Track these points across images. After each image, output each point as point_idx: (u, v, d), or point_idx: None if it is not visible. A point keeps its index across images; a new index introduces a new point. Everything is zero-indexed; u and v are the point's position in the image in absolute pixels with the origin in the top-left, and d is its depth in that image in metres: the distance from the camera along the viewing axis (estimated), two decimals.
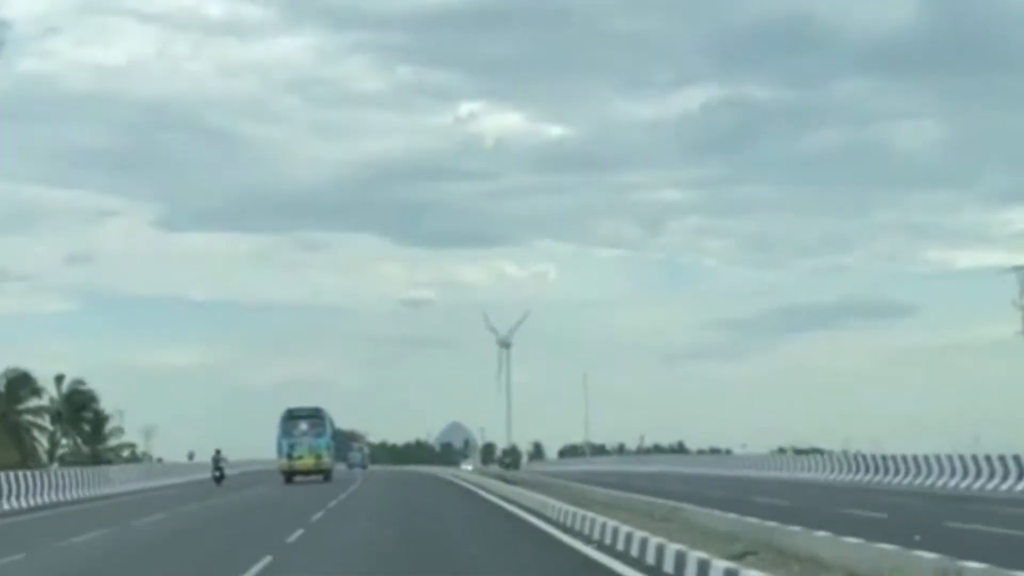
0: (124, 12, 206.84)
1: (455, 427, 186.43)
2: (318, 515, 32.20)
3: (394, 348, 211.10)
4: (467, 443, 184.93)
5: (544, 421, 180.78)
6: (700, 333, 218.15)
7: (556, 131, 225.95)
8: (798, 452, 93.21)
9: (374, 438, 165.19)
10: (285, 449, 63.07)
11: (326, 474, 63.60)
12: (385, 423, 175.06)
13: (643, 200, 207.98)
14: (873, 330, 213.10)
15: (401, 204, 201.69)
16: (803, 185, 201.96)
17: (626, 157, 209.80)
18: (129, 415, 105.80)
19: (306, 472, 62.41)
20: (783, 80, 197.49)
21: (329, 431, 64.46)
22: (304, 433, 62.89)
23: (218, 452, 65.21)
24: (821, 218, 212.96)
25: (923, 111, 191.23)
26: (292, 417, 63.84)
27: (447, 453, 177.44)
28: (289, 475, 62.26)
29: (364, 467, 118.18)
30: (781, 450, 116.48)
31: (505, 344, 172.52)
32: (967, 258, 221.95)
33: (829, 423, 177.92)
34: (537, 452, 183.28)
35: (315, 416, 64.41)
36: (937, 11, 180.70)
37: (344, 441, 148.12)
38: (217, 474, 62.17)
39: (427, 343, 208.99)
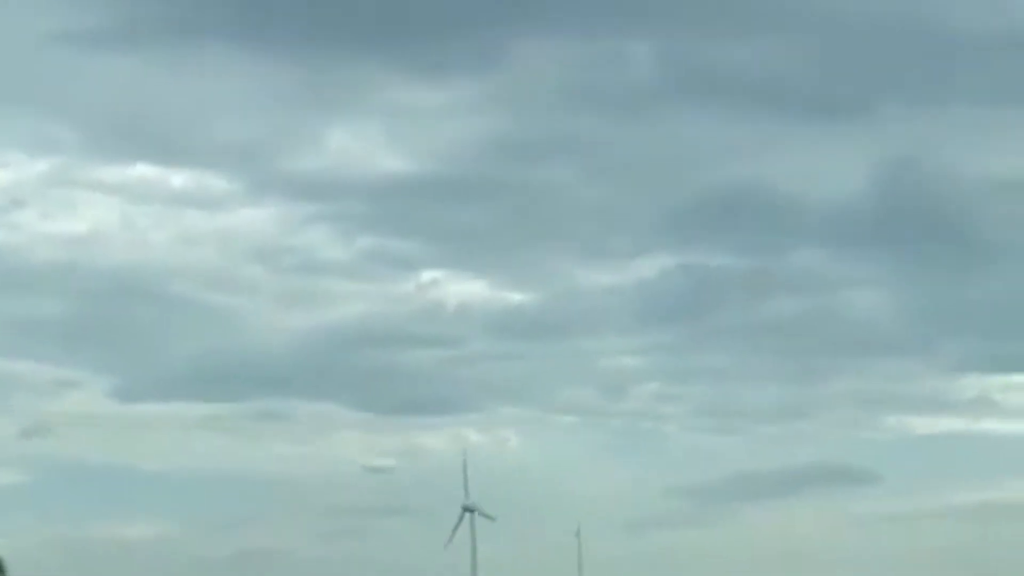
0: (89, 185, 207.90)
1: None
2: None
3: (355, 518, 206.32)
4: None
5: None
6: (662, 500, 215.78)
7: (517, 298, 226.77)
8: None
9: None
10: None
11: None
12: None
13: (603, 367, 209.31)
14: (834, 497, 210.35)
15: (362, 371, 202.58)
16: (760, 353, 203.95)
17: (586, 324, 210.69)
18: None
19: None
20: (740, 249, 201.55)
21: None
22: None
23: None
24: (779, 385, 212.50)
25: (879, 280, 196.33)
26: None
27: None
28: None
29: None
30: None
31: (471, 509, 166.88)
32: (926, 424, 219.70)
33: None
34: None
35: None
36: (892, 182, 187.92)
37: None
38: None
39: (389, 512, 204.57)
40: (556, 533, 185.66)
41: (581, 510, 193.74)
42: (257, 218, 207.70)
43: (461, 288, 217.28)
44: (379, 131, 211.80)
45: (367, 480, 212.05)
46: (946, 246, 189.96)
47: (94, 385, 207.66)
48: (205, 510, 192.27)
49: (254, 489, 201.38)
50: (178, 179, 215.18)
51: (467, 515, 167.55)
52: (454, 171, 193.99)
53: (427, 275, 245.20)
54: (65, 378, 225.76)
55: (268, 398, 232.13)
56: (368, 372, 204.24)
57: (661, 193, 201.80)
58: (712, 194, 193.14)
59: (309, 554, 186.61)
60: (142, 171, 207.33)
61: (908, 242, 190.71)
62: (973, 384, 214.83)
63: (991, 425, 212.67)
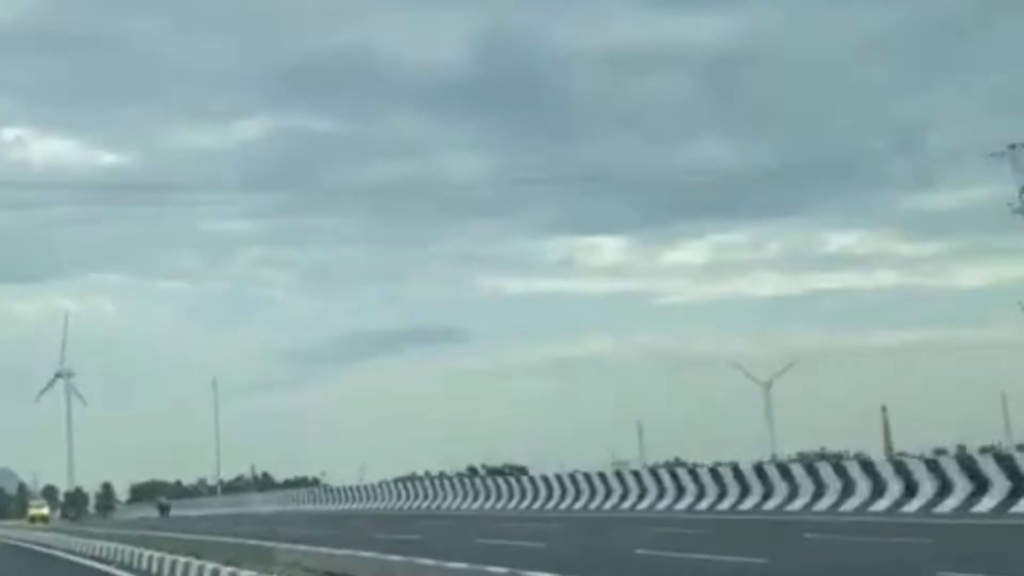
0: None
1: (3, 472, 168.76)
2: None
3: None
4: (22, 487, 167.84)
5: (111, 460, 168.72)
6: (266, 364, 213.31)
7: (111, 158, 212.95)
8: None
9: None
10: None
11: None
12: None
13: (206, 231, 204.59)
14: (430, 355, 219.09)
15: None
16: (363, 216, 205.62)
17: (186, 187, 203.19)
18: None
19: None
20: (342, 113, 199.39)
21: None
22: None
23: None
24: (380, 248, 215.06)
25: (475, 144, 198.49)
26: None
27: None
28: None
29: None
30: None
31: (66, 374, 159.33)
32: (516, 285, 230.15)
33: (402, 445, 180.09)
34: (107, 495, 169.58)
35: None
36: (488, 51, 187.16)
37: None
38: None
39: None
40: (153, 400, 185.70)
41: (182, 376, 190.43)
42: None
43: (49, 147, 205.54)
44: None
45: None
46: (540, 114, 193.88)
47: None
48: None
49: None
50: None
51: (59, 380, 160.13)
52: (47, 22, 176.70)
53: (10, 132, 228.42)
54: None
55: None
56: None
57: (262, 53, 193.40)
58: (311, 56, 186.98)
59: None
60: None
61: (503, 108, 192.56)
62: (560, 246, 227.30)
63: (575, 285, 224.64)
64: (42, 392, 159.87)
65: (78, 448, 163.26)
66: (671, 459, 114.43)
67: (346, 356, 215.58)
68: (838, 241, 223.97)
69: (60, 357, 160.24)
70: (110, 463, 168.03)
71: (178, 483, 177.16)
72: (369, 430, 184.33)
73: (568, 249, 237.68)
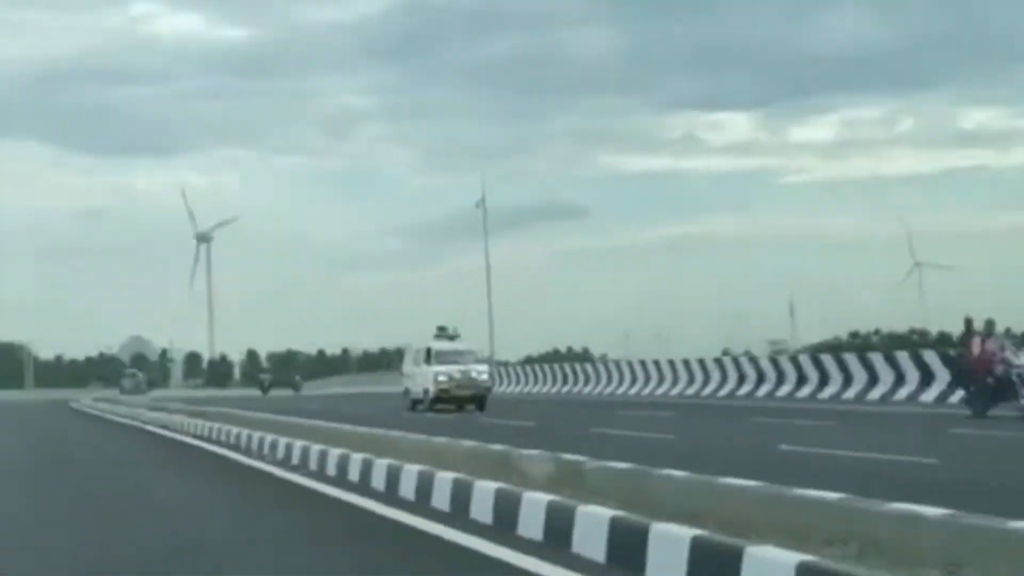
0: None
1: (136, 340, 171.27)
2: None
3: (68, 260, 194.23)
4: (164, 353, 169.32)
5: (246, 329, 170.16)
6: (385, 240, 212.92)
7: (235, 33, 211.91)
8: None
9: (48, 352, 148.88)
10: None
11: None
12: (61, 336, 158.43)
13: (325, 106, 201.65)
14: (551, 232, 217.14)
15: (73, 109, 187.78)
16: (484, 91, 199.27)
17: (307, 62, 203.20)
18: None
19: None
20: None
21: None
22: None
23: None
24: (501, 124, 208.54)
25: (596, 18, 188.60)
26: None
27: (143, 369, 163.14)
28: None
29: (141, 392, 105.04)
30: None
31: (204, 238, 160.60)
32: (638, 162, 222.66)
33: (524, 325, 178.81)
34: (253, 363, 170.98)
35: None
36: None
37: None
38: None
39: (104, 253, 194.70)
40: (278, 272, 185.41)
41: (299, 253, 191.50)
42: None
43: (175, 21, 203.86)
44: None
45: (79, 223, 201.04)
46: None
47: None
48: None
49: None
50: None
51: (201, 245, 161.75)
52: None
53: (138, 7, 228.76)
54: None
55: None
56: (78, 109, 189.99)
57: None
58: None
59: (20, 300, 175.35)
60: None
61: None
62: (683, 122, 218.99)
63: (697, 162, 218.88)
64: (194, 270, 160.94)
65: (203, 318, 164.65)
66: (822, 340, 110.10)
67: (465, 234, 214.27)
68: (976, 117, 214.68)
69: (192, 224, 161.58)
70: (242, 332, 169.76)
71: (320, 353, 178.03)
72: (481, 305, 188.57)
73: (691, 125, 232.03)
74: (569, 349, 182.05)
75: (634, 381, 51.99)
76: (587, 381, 55.95)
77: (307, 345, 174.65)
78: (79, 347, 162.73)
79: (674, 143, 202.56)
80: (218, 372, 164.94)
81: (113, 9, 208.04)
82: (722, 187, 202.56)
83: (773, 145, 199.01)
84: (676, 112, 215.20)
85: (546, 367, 63.11)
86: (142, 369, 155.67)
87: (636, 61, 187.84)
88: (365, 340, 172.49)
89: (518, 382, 62.65)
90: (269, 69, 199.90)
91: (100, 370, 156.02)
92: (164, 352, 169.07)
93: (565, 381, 57.96)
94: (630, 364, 54.18)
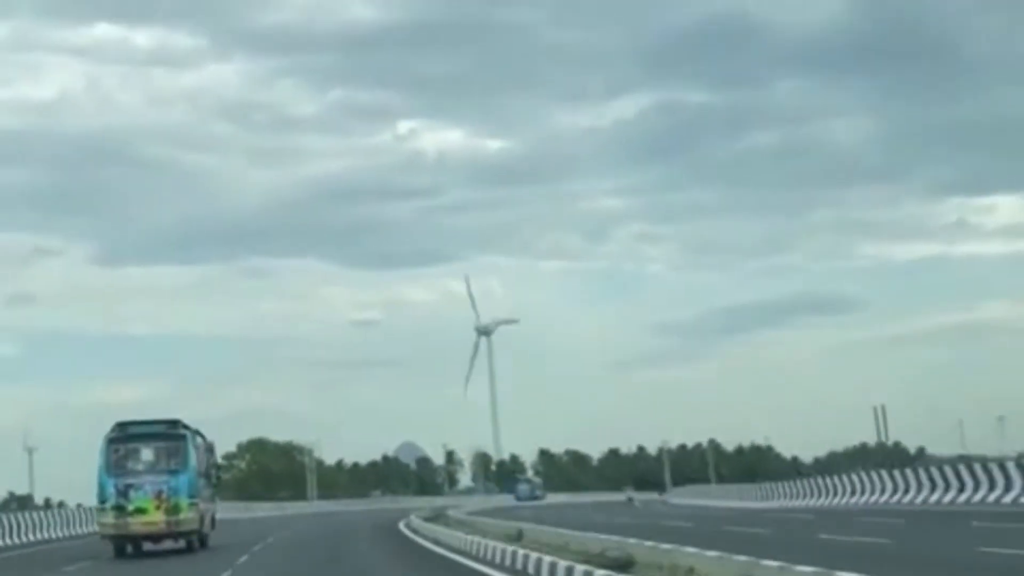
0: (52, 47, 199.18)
1: (407, 446, 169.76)
2: None
3: (343, 371, 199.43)
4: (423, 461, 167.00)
5: (519, 431, 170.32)
6: (649, 339, 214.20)
7: (495, 145, 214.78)
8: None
9: (330, 457, 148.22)
10: (112, 493, 35.02)
11: (192, 538, 35.98)
12: (341, 444, 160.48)
13: (583, 209, 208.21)
14: (818, 325, 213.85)
15: (344, 226, 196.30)
16: (741, 187, 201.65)
17: (565, 168, 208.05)
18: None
19: (151, 535, 35.55)
20: (716, 82, 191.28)
21: (195, 462, 35.97)
22: (147, 468, 35.52)
23: None
24: (760, 218, 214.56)
25: (855, 107, 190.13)
26: (124, 438, 35.64)
27: (426, 472, 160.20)
28: (122, 540, 35.39)
29: (537, 498, 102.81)
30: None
31: (485, 332, 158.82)
32: (905, 251, 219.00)
33: (785, 419, 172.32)
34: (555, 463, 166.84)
35: (166, 436, 35.93)
36: (866, 6, 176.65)
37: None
38: None
39: (376, 364, 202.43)
40: (549, 378, 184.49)
41: (570, 353, 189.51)
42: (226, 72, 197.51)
43: (439, 137, 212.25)
44: None
45: (354, 334, 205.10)
46: (921, 69, 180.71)
47: (74, 252, 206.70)
48: (195, 371, 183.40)
49: (243, 348, 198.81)
50: (142, 37, 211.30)
51: (482, 338, 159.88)
52: (423, 16, 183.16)
53: (404, 125, 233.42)
54: (44, 246, 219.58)
55: (251, 258, 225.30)
56: (350, 226, 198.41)
57: (633, 30, 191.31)
58: (685, 28, 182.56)
59: (302, 408, 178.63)
60: (105, 30, 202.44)
61: (886, 68, 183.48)
62: (950, 208, 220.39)
63: (969, 248, 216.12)
64: (472, 362, 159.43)
65: (481, 420, 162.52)
66: None
67: (728, 329, 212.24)
68: None
69: (476, 315, 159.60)
70: (519, 433, 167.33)
71: (641, 449, 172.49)
72: (752, 401, 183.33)
73: (961, 210, 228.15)
74: (880, 442, 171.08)
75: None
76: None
77: (590, 447, 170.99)
78: (353, 452, 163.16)
79: (944, 229, 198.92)
80: (507, 473, 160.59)
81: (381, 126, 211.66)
82: (996, 272, 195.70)
83: None
84: (943, 198, 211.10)
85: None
86: (425, 472, 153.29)
87: (897, 147, 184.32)
88: (643, 439, 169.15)
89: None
90: (527, 178, 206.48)
91: (381, 472, 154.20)
92: (451, 454, 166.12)
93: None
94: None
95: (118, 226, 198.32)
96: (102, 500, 35.07)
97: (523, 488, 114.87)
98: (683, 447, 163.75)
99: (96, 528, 37.19)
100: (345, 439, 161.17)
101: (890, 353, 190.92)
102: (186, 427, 36.48)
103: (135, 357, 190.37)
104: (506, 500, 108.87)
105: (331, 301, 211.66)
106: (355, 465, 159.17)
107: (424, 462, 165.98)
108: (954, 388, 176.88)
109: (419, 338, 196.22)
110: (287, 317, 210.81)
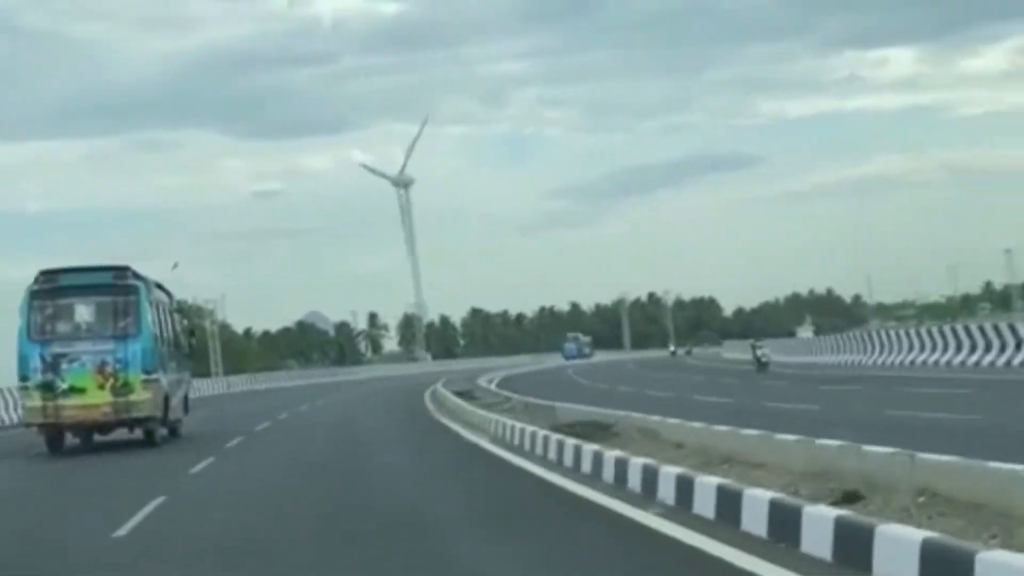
0: None
1: (313, 315, 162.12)
2: None
3: (246, 242, 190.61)
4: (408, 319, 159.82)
5: (435, 294, 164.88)
6: (550, 201, 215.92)
7: (392, 8, 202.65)
8: None
9: (240, 328, 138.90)
10: (37, 367, 26.06)
11: (151, 426, 26.91)
12: (251, 315, 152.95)
13: (483, 74, 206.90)
14: (715, 183, 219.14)
15: (240, 95, 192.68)
16: (640, 48, 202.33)
17: (464, 31, 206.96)
18: None
19: (94, 423, 26.62)
20: None
21: (150, 323, 26.59)
22: (86, 331, 26.20)
23: None
24: (658, 79, 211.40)
25: None
26: (53, 292, 26.31)
27: (345, 339, 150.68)
28: (55, 430, 26.53)
29: (585, 356, 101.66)
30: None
31: (404, 183, 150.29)
32: (801, 106, 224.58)
33: (696, 273, 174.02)
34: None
35: (111, 288, 26.42)
36: None
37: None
38: None
39: (280, 233, 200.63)
40: (454, 242, 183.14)
41: (475, 217, 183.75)
42: None
43: (334, 1, 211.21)
44: None
45: (255, 205, 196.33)
46: None
47: None
48: (93, 247, 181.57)
49: (141, 222, 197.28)
50: None
51: (401, 190, 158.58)
52: None
53: None
54: None
55: (146, 130, 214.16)
56: (247, 96, 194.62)
57: None
58: None
59: (204, 280, 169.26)
60: None
61: None
62: (844, 62, 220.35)
63: (862, 102, 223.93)
64: (404, 214, 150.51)
65: (396, 287, 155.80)
66: None
67: (629, 190, 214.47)
68: None
69: (386, 176, 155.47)
70: (435, 296, 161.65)
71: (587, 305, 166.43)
72: (651, 261, 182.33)
73: (854, 64, 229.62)
74: (811, 291, 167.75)
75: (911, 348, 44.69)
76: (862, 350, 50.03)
77: (495, 306, 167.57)
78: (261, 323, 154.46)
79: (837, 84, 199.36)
80: (437, 335, 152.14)
81: None
82: (889, 126, 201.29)
83: (940, 79, 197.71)
84: (837, 52, 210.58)
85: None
86: (344, 339, 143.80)
87: (790, 3, 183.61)
88: (551, 300, 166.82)
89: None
90: (426, 41, 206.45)
91: (295, 340, 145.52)
92: (373, 316, 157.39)
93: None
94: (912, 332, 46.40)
95: (6, 99, 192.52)
96: (23, 377, 26.00)
97: (570, 347, 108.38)
98: (637, 300, 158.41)
99: (20, 415, 28.99)
100: (251, 310, 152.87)
101: (791, 207, 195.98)
102: (138, 276, 26.87)
103: (29, 234, 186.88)
104: (555, 359, 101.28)
105: (230, 172, 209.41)
106: (266, 333, 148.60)
107: (344, 327, 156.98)
108: (855, 238, 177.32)
109: (321, 207, 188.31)
110: (186, 189, 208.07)
